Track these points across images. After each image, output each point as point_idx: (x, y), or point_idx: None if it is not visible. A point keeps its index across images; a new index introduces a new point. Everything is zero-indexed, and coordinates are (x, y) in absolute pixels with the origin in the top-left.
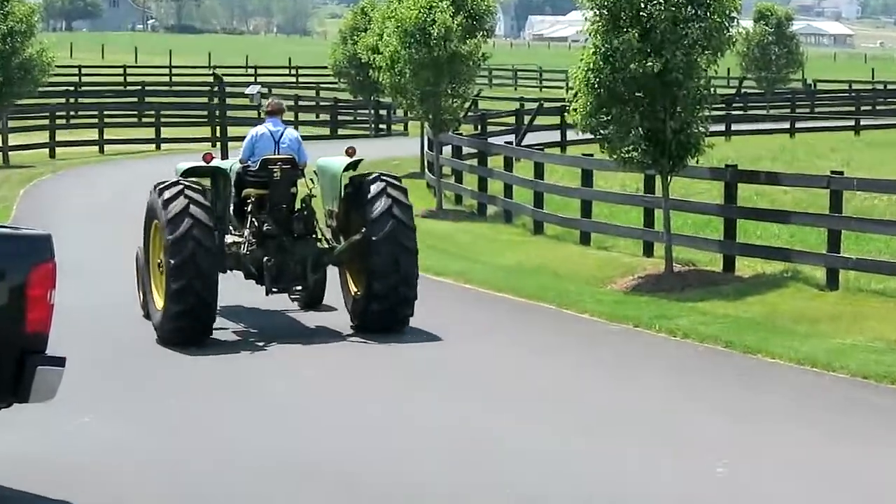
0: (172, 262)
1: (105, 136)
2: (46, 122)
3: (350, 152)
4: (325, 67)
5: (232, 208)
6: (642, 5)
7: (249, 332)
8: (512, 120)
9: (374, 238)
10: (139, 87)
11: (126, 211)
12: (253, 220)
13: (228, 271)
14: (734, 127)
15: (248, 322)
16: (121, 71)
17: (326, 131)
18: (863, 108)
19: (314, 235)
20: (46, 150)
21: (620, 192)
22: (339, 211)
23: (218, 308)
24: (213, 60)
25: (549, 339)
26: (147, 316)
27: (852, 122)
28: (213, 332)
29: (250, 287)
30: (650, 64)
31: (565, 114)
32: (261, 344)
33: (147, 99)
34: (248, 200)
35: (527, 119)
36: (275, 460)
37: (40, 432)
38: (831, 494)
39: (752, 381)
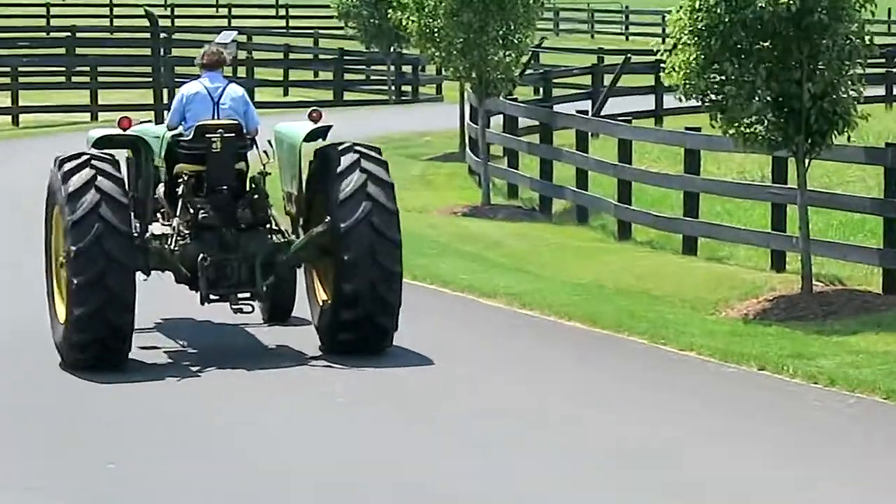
0: (74, 249)
1: (20, 103)
2: None
3: (315, 116)
4: (328, 7)
5: (162, 190)
6: None
7: (185, 353)
8: (587, 80)
9: (342, 226)
10: (68, 35)
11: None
12: (186, 205)
13: (152, 273)
14: None
15: (189, 339)
16: (43, 11)
17: (329, 95)
18: None
19: (266, 226)
20: None
21: (739, 182)
22: (299, 193)
23: (159, 320)
24: None
25: (638, 388)
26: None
27: None
28: (140, 350)
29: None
30: (783, 1)
31: (661, 73)
32: (195, 369)
33: (79, 50)
34: (179, 180)
35: (608, 79)
36: None
37: None
38: None
39: None
